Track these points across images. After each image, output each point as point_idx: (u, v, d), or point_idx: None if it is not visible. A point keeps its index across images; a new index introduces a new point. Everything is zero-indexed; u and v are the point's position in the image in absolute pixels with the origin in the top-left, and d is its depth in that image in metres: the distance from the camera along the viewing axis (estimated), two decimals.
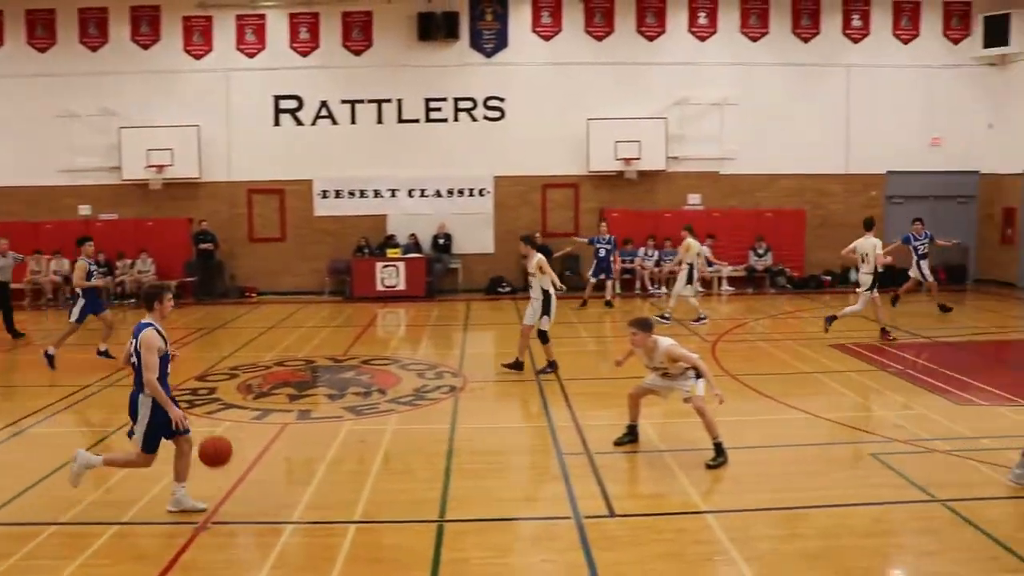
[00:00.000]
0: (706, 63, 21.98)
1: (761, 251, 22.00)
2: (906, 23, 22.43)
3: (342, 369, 12.91)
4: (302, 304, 20.10)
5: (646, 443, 8.90)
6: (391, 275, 20.72)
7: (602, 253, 19.67)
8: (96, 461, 7.09)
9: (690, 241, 16.73)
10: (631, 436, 8.82)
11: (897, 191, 22.82)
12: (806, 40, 22.28)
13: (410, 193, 21.85)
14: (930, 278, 17.50)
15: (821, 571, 6.00)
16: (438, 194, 21.89)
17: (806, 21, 22.21)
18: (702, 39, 22.04)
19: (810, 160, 22.44)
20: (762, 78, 22.07)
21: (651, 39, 21.91)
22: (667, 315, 16.82)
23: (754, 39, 22.15)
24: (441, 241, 21.68)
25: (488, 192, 21.98)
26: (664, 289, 21.19)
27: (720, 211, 22.00)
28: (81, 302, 13.08)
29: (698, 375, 8.30)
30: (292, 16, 21.31)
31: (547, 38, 21.74)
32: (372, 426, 9.73)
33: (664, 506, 7.28)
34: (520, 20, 21.65)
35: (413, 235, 21.51)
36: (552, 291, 12.16)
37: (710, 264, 21.38)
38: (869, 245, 14.88)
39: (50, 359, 12.82)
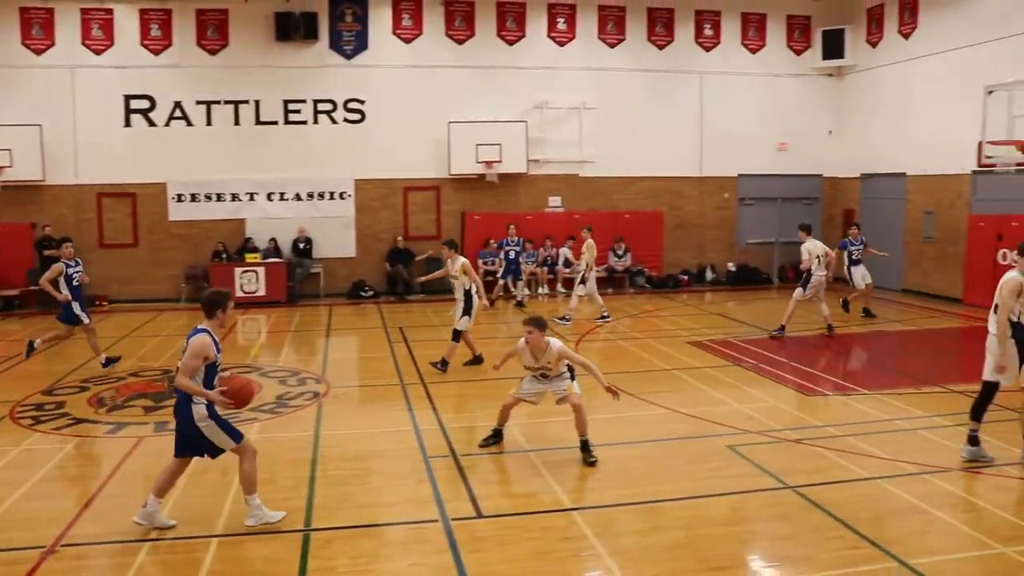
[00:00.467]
0: (565, 68, 22.39)
1: (620, 252, 22.55)
2: (753, 34, 23.46)
3: None
4: (157, 312, 19.35)
5: (511, 443, 9.00)
6: (250, 281, 20.23)
7: (511, 255, 20.43)
8: (266, 514, 6.90)
9: (591, 241, 17.24)
10: (496, 438, 8.92)
11: (748, 193, 23.86)
12: (661, 47, 22.98)
13: (269, 196, 21.34)
14: (860, 285, 17.38)
15: (683, 561, 6.24)
16: (298, 197, 21.47)
17: (660, 29, 22.91)
18: (561, 44, 22.42)
19: (666, 163, 23.18)
20: (619, 83, 22.65)
21: (511, 43, 22.14)
22: (605, 314, 17.31)
23: (611, 45, 22.69)
24: (302, 245, 21.28)
25: (349, 195, 21.72)
26: (527, 291, 21.45)
27: (580, 213, 22.42)
28: (75, 304, 12.86)
29: (572, 375, 8.57)
30: (143, 12, 20.46)
31: (408, 40, 21.65)
32: None
33: (531, 505, 7.39)
34: (380, 22, 21.48)
35: (273, 239, 21.02)
36: (474, 292, 12.61)
37: (569, 265, 21.86)
38: (821, 247, 15.65)
39: (110, 361, 13.12)
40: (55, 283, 12.82)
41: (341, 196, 21.66)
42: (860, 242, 17.49)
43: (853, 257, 17.38)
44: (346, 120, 21.52)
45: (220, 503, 7.32)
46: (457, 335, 12.66)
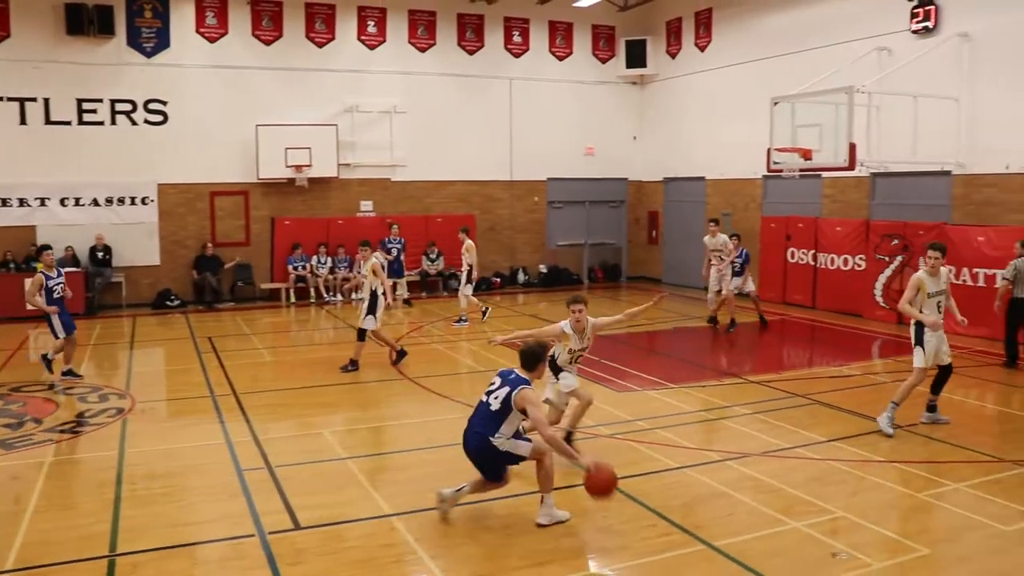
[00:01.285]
0: (375, 71, 22.28)
1: (433, 256, 22.62)
2: (561, 42, 24.15)
3: None
4: None
5: (327, 451, 8.89)
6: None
7: (394, 253, 20.33)
8: (556, 513, 7.02)
9: (470, 243, 17.66)
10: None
11: (557, 196, 24.54)
12: (471, 53, 23.25)
13: (63, 202, 19.98)
14: (728, 288, 16.70)
15: (506, 559, 6.38)
16: (95, 203, 20.23)
17: (471, 35, 23.19)
18: (371, 47, 22.27)
19: (477, 167, 23.50)
20: (430, 87, 22.76)
21: (320, 45, 21.79)
22: (464, 317, 17.60)
23: (422, 50, 22.75)
24: (100, 253, 20.09)
25: (152, 200, 20.69)
26: (339, 296, 21.19)
27: (392, 217, 22.35)
28: (54, 317, 12.51)
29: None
30: None
31: (212, 40, 20.87)
32: (27, 460, 8.85)
33: (350, 513, 7.31)
34: (183, 19, 20.57)
35: (69, 247, 19.71)
36: (380, 293, 12.82)
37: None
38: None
39: (48, 362, 12.95)
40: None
41: (143, 201, 20.61)
42: (740, 253, 16.85)
43: (734, 268, 16.85)
44: (147, 122, 20.48)
45: (13, 534, 6.81)
46: (362, 334, 12.88)
